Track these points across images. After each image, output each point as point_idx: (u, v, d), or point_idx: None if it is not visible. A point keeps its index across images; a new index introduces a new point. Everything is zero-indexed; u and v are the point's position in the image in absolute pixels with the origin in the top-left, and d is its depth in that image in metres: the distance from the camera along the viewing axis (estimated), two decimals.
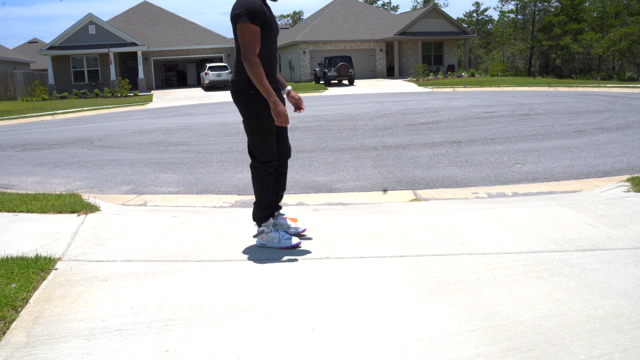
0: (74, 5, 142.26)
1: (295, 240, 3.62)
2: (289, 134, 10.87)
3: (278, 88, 3.60)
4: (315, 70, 38.02)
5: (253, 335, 2.46)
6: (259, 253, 3.55)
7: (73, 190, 6.23)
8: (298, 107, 3.68)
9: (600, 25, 49.83)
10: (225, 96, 29.12)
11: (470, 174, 6.50)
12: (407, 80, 35.92)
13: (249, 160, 8.29)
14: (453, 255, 3.41)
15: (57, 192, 5.58)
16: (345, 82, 36.05)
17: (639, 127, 9.96)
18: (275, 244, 3.58)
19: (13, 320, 2.62)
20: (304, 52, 41.44)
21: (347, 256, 3.45)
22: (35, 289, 2.99)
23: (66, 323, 2.60)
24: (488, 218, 4.16)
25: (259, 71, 3.30)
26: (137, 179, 6.99)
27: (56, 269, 3.30)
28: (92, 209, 4.63)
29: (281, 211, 3.92)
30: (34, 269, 3.19)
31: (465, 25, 60.63)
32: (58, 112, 22.22)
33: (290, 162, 7.72)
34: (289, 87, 3.72)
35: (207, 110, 20.22)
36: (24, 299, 2.83)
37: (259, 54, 3.38)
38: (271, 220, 3.66)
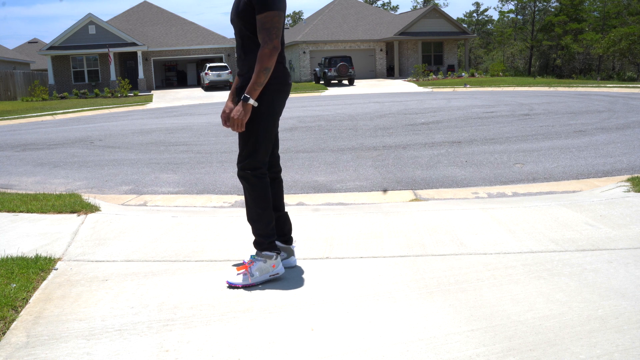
0: (74, 5, 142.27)
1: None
2: (290, 134, 10.87)
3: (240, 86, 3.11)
4: (315, 70, 38.03)
5: (253, 335, 2.46)
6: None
7: (73, 190, 6.23)
8: None
9: (601, 25, 49.82)
10: (225, 96, 29.12)
11: (470, 174, 6.50)
12: (407, 80, 35.91)
13: None
14: (453, 255, 3.41)
15: (57, 192, 5.58)
16: (345, 82, 36.05)
17: (639, 127, 9.96)
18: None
19: (13, 320, 2.62)
20: (304, 52, 41.44)
21: (347, 256, 3.45)
22: (35, 289, 2.99)
23: (66, 323, 2.60)
24: (488, 218, 4.16)
25: None
26: (137, 179, 6.99)
27: (56, 269, 3.30)
28: (92, 209, 4.63)
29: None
30: (34, 269, 3.18)
31: (465, 25, 60.62)
32: (58, 112, 22.22)
33: (290, 162, 7.72)
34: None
35: (207, 110, 20.22)
36: (24, 299, 2.83)
37: None
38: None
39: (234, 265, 3.33)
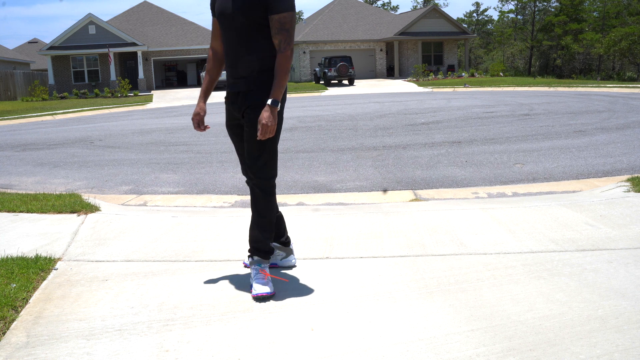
0: (74, 5, 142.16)
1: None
2: (290, 134, 10.87)
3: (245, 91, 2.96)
4: (315, 70, 38.02)
5: (253, 335, 2.46)
6: None
7: (73, 190, 6.23)
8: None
9: (601, 25, 49.82)
10: None
11: (470, 174, 6.50)
12: (407, 80, 35.91)
13: None
14: (453, 255, 3.41)
15: (57, 192, 5.58)
16: (345, 82, 36.03)
17: (639, 127, 9.96)
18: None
19: (13, 320, 2.62)
20: (304, 52, 41.43)
21: (347, 256, 3.45)
22: (35, 289, 2.99)
23: (66, 323, 2.60)
24: (488, 218, 4.16)
25: (205, 67, 3.26)
26: (137, 179, 6.99)
27: (56, 269, 3.30)
28: (92, 209, 4.63)
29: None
30: (34, 269, 3.18)
31: (465, 25, 60.59)
32: (58, 112, 22.22)
33: (290, 162, 7.73)
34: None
35: (207, 110, 20.20)
36: (24, 299, 2.83)
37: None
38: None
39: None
